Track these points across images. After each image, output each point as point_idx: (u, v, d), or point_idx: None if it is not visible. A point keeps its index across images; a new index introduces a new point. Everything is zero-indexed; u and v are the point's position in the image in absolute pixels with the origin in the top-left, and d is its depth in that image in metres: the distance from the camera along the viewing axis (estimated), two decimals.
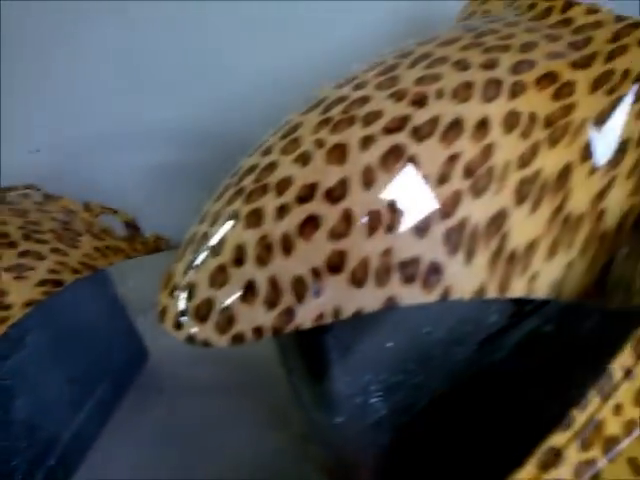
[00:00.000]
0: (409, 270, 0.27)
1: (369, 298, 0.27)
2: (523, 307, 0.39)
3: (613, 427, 0.24)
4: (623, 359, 0.24)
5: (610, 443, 0.24)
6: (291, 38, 0.63)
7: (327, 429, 0.36)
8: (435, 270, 0.27)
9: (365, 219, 0.26)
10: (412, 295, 0.27)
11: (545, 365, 0.37)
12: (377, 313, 0.30)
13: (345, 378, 0.33)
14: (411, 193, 0.27)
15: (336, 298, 0.26)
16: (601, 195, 0.30)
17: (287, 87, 0.48)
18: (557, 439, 0.24)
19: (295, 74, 0.60)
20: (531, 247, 0.29)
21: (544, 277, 0.29)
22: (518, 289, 0.29)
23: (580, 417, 0.24)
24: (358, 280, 0.27)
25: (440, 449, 0.36)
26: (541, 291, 0.30)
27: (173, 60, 0.66)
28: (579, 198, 0.30)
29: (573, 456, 0.24)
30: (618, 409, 0.24)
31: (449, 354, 0.36)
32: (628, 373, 0.24)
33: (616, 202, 0.30)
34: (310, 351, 0.32)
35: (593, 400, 0.24)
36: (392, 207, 0.26)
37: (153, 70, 0.66)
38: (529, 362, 0.41)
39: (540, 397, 0.33)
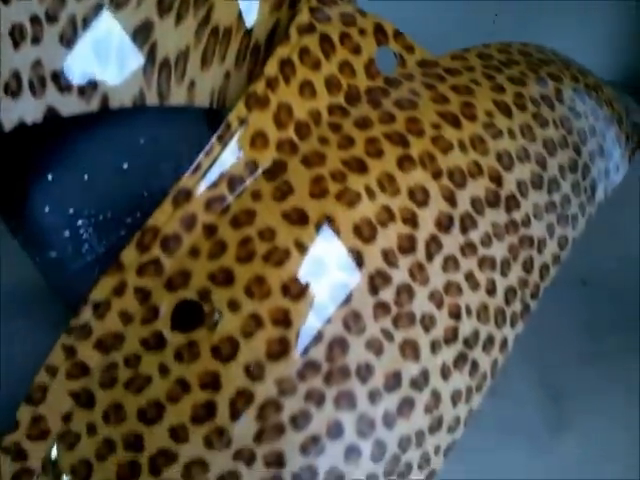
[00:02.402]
0: (62, 80, 0.30)
1: (28, 108, 0.29)
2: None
3: (237, 169, 0.28)
4: (238, 112, 0.28)
5: (234, 182, 0.28)
6: None
7: (50, 273, 0.38)
8: (89, 79, 0.30)
9: (9, 32, 0.28)
10: (71, 104, 0.30)
11: None
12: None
13: (44, 208, 0.35)
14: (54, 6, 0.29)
15: None
16: (244, 12, 0.34)
17: None
18: (186, 181, 0.27)
19: None
20: (183, 56, 0.33)
21: (202, 85, 0.33)
22: (178, 96, 0.33)
23: (206, 161, 0.28)
24: (13, 92, 0.29)
25: None
26: (202, 99, 0.33)
27: None
28: (224, 13, 0.33)
29: (202, 194, 0.28)
30: (238, 149, 0.28)
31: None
32: (242, 122, 0.28)
33: (261, 18, 0.35)
34: (4, 181, 0.34)
35: (215, 146, 0.28)
36: (35, 20, 0.29)
37: None
38: None
39: None
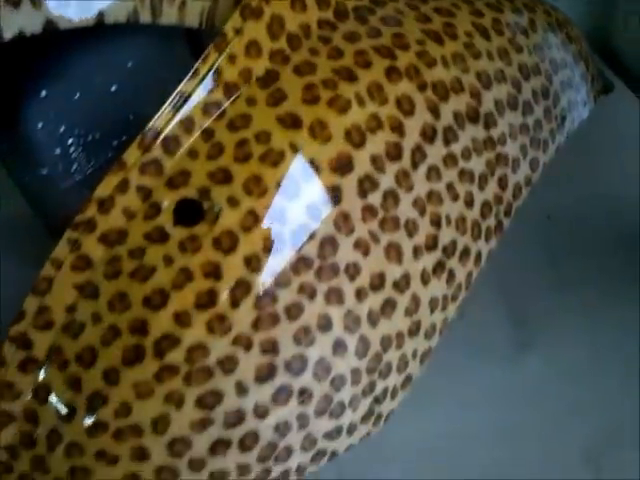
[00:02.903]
0: None
1: (28, 20, 0.30)
2: None
3: (230, 74, 0.30)
4: (233, 22, 0.30)
5: (230, 88, 0.29)
6: None
7: (39, 192, 0.39)
8: None
9: None
10: (68, 18, 0.31)
11: None
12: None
13: (37, 124, 0.36)
14: None
15: None
16: None
17: None
18: (185, 86, 0.29)
19: None
20: None
21: (192, 6, 0.33)
22: (169, 16, 0.33)
23: (203, 68, 0.29)
24: (14, 2, 0.30)
25: None
26: (191, 19, 0.34)
27: None
28: None
29: (200, 98, 0.29)
30: (232, 59, 0.29)
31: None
32: (237, 31, 0.30)
33: None
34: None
35: (212, 54, 0.29)
36: None
37: None
38: None
39: None
